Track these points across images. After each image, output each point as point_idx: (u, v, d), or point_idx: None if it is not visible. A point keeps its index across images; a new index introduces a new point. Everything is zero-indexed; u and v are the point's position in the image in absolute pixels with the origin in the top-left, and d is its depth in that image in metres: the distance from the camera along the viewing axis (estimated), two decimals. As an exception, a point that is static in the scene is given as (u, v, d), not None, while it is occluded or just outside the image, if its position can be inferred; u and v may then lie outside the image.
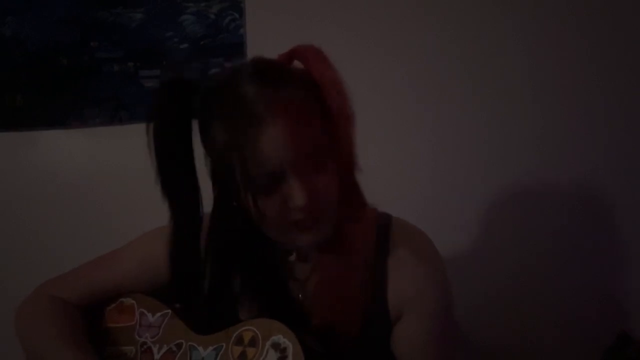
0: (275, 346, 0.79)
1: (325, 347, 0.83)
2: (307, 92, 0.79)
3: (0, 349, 1.04)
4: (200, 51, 1.46)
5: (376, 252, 0.89)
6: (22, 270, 1.28)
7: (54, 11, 1.50)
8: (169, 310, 0.92)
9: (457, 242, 1.35)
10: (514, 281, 1.35)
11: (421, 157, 1.39)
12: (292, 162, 0.76)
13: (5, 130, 1.52)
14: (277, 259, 0.89)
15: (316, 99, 0.79)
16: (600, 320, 1.32)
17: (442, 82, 1.38)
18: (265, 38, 1.43)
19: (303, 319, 0.87)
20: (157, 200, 1.46)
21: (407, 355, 0.90)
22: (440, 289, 0.91)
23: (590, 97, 1.34)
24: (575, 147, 1.34)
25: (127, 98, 1.49)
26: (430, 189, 1.38)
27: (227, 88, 0.79)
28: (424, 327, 0.89)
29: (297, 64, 0.83)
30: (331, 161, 0.80)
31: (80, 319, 0.93)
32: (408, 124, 1.39)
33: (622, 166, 1.33)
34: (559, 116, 1.35)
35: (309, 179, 0.78)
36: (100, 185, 1.49)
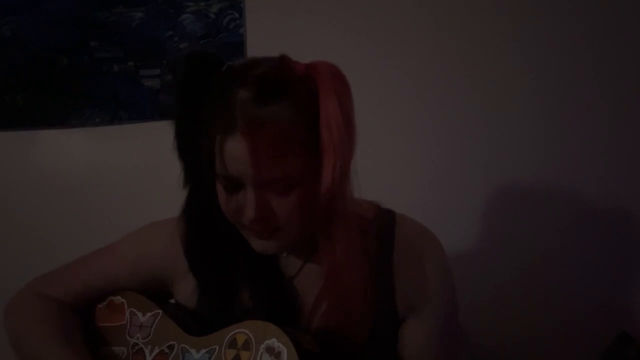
0: (270, 350, 0.78)
1: (326, 348, 0.82)
2: (299, 117, 0.75)
3: (0, 349, 1.03)
4: (200, 51, 1.46)
5: (380, 249, 0.88)
6: (22, 270, 1.28)
7: (54, 11, 1.50)
8: (160, 311, 0.91)
9: (456, 242, 1.34)
10: (514, 281, 1.35)
11: (421, 157, 1.39)
12: (251, 179, 0.76)
13: (5, 130, 1.52)
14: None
15: (309, 123, 0.76)
16: (600, 320, 1.32)
17: (442, 82, 1.37)
18: (265, 38, 1.43)
19: (292, 315, 0.87)
20: (156, 200, 1.47)
21: (413, 355, 0.89)
22: (448, 287, 0.91)
23: (592, 96, 1.33)
24: (577, 147, 1.34)
25: (127, 98, 1.49)
26: (431, 189, 1.37)
27: (235, 79, 0.77)
28: (433, 326, 0.89)
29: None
30: (300, 188, 0.77)
31: (73, 318, 0.93)
32: (408, 123, 1.39)
33: (623, 166, 1.33)
34: (560, 115, 1.34)
35: (267, 197, 0.77)
36: (100, 185, 1.49)
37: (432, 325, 0.89)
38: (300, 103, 0.76)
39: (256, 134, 0.73)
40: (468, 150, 1.37)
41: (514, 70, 1.35)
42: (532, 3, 1.35)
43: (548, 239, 1.35)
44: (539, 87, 1.35)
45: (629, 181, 1.33)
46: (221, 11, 1.46)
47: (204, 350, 0.84)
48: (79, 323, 0.93)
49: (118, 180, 1.49)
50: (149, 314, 0.91)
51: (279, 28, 1.40)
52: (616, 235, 1.34)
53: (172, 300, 0.97)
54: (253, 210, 0.76)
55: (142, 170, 1.49)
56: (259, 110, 0.74)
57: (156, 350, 0.88)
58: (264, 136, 0.73)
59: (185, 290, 0.93)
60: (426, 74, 1.37)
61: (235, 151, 0.74)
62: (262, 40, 1.43)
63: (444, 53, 1.37)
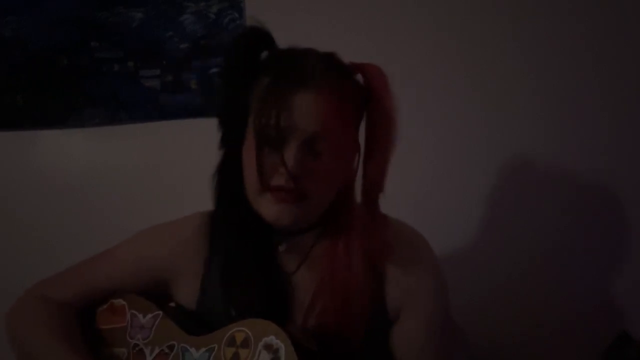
0: (268, 347, 0.79)
1: (322, 346, 0.83)
2: (353, 99, 0.85)
3: (1, 349, 1.04)
4: (200, 51, 1.46)
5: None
6: (22, 270, 1.28)
7: (54, 11, 1.50)
8: (160, 312, 0.92)
9: (456, 242, 1.34)
10: (513, 281, 1.35)
11: (421, 157, 1.38)
12: (303, 132, 0.80)
13: (5, 130, 1.52)
14: (267, 246, 0.90)
15: (356, 110, 0.86)
16: (600, 320, 1.32)
17: (442, 82, 1.37)
18: (265, 38, 1.42)
19: (290, 312, 0.88)
20: (156, 200, 1.47)
21: (405, 355, 0.91)
22: (437, 289, 0.92)
23: (592, 96, 1.34)
24: (577, 147, 1.34)
25: (127, 98, 1.49)
26: (430, 189, 1.37)
27: (302, 52, 0.85)
28: (422, 327, 0.90)
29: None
30: (333, 162, 0.83)
31: (75, 321, 0.93)
32: (408, 123, 1.39)
33: (623, 166, 1.33)
34: (560, 115, 1.34)
35: (306, 156, 0.81)
36: (100, 185, 1.49)
37: (424, 326, 0.91)
38: (354, 88, 0.86)
39: (326, 91, 0.81)
40: (468, 150, 1.37)
41: (514, 70, 1.35)
42: (532, 3, 1.35)
43: (548, 239, 1.35)
44: (539, 87, 1.35)
45: (629, 181, 1.33)
46: (221, 11, 1.46)
47: (203, 349, 0.85)
48: (81, 325, 0.93)
49: (118, 180, 1.49)
50: (149, 315, 0.92)
51: (279, 28, 1.40)
52: (616, 235, 1.34)
53: (172, 304, 0.97)
54: (291, 164, 0.79)
55: (142, 170, 1.49)
56: (330, 76, 0.82)
57: (156, 351, 0.89)
58: (331, 94, 0.81)
59: (186, 291, 0.94)
60: (426, 74, 1.37)
61: (305, 101, 0.80)
62: (262, 40, 1.43)
63: (444, 53, 1.37)
